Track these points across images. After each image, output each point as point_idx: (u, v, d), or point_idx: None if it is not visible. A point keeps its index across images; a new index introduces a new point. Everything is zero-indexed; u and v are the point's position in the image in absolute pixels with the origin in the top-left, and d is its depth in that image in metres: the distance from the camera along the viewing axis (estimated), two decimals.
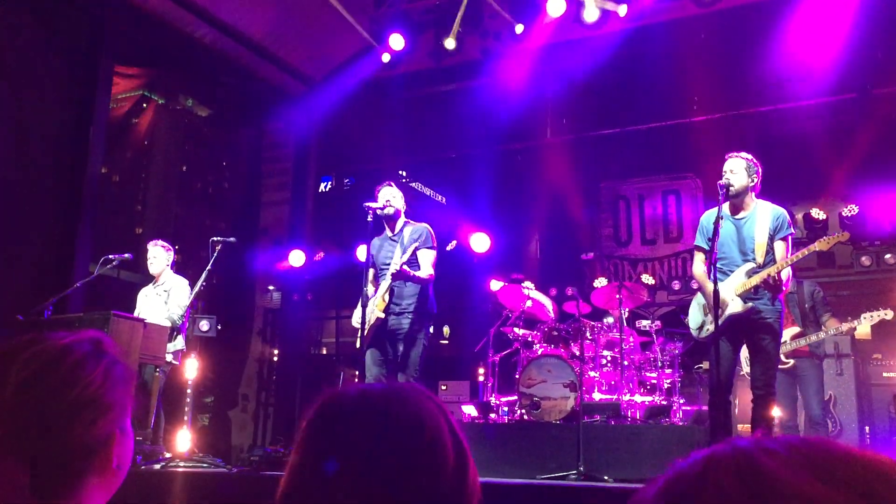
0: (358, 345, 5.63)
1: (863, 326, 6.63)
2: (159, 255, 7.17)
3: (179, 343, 6.94)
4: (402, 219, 5.96)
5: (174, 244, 7.49)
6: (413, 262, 5.67)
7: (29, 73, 7.88)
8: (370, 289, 5.75)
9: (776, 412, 5.38)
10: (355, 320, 5.74)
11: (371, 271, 5.86)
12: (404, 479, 0.91)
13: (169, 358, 6.86)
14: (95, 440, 1.21)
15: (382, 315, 5.62)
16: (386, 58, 9.51)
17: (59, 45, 8.20)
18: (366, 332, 5.56)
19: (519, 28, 8.84)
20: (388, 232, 5.97)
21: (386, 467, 0.92)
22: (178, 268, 7.48)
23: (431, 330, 5.86)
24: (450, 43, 9.09)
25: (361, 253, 8.26)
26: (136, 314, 6.95)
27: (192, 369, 7.31)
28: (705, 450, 0.66)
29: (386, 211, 5.79)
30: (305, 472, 0.95)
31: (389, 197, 5.87)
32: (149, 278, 7.44)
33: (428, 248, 5.72)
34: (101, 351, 1.26)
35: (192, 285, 6.97)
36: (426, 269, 5.66)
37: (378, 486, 0.90)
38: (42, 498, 1.15)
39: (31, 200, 7.85)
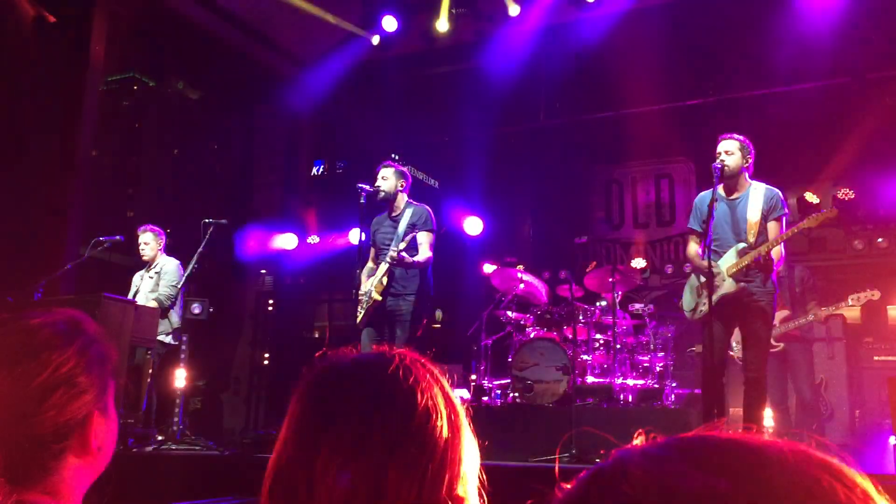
0: (358, 320, 5.68)
1: (852, 310, 6.64)
2: (150, 241, 7.17)
3: (175, 321, 6.92)
4: (404, 199, 5.90)
5: (165, 227, 7.45)
6: (413, 244, 5.68)
7: (19, 55, 7.79)
8: (370, 265, 5.83)
9: (767, 395, 5.40)
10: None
11: (373, 250, 5.92)
12: (397, 448, 0.89)
13: (168, 339, 6.85)
14: (71, 421, 1.18)
15: (380, 298, 5.61)
16: (375, 40, 9.44)
17: (51, 27, 8.12)
18: (362, 313, 5.58)
19: (514, 10, 8.78)
20: (388, 212, 5.94)
21: (379, 436, 0.89)
22: (169, 251, 7.45)
23: (437, 314, 5.91)
24: (442, 25, 9.02)
25: (354, 236, 8.23)
26: (131, 297, 6.92)
27: (183, 353, 7.30)
28: (590, 469, 0.64)
29: (380, 193, 5.76)
30: (298, 444, 0.93)
31: (380, 177, 5.84)
32: (142, 261, 7.40)
33: (427, 230, 5.71)
34: (76, 330, 1.23)
35: (184, 267, 6.95)
36: (424, 252, 5.65)
37: (371, 456, 0.88)
38: (15, 481, 1.13)
39: (22, 183, 7.79)
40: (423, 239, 5.68)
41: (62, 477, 1.17)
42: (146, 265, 7.27)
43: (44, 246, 7.79)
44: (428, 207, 5.89)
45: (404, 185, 5.89)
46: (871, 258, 8.56)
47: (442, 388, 0.97)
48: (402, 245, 5.52)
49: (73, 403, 1.18)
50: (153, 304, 6.71)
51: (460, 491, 0.94)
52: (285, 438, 0.95)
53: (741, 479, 0.56)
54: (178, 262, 7.06)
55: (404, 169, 5.98)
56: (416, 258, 5.60)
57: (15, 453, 1.13)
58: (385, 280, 5.62)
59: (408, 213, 5.81)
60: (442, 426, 0.93)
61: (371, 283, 5.68)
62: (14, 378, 1.14)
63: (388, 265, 5.62)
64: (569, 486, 0.64)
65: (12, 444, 1.13)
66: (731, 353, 5.94)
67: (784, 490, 0.55)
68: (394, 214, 5.88)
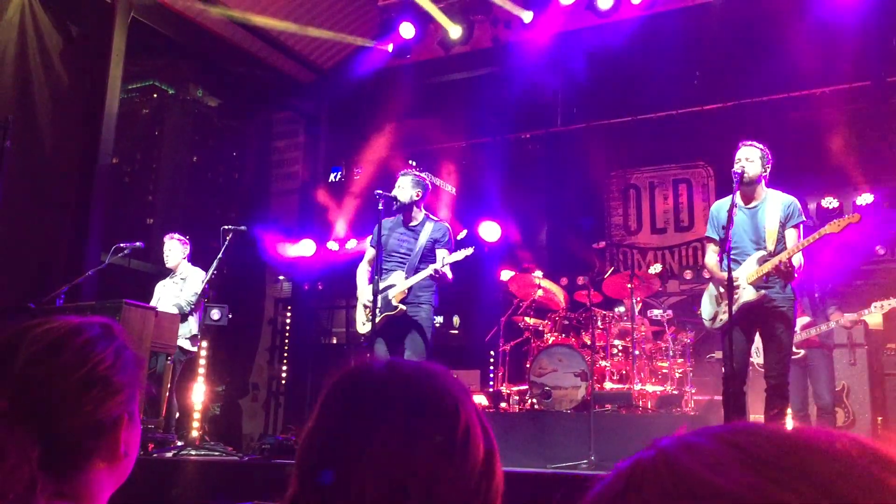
0: (365, 329, 5.61)
1: (873, 316, 6.56)
2: (175, 248, 7.26)
3: (194, 327, 6.97)
4: (421, 212, 5.82)
5: (184, 234, 7.52)
6: (430, 258, 5.65)
7: (40, 63, 7.89)
8: (365, 266, 5.76)
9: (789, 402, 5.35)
10: (366, 298, 5.66)
11: (372, 251, 5.81)
12: (435, 465, 0.87)
13: (186, 345, 6.90)
14: (104, 421, 1.20)
15: (404, 308, 5.56)
16: (389, 48, 9.49)
17: (71, 36, 8.21)
18: (377, 320, 5.52)
19: (527, 17, 8.79)
20: (402, 219, 5.83)
21: (417, 449, 0.87)
22: (189, 257, 7.51)
23: (434, 320, 5.83)
24: (454, 32, 9.05)
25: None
26: (153, 305, 6.97)
27: (203, 359, 7.36)
28: (629, 459, 0.58)
29: (396, 201, 5.71)
30: (334, 446, 0.91)
31: (398, 185, 5.81)
32: (161, 268, 7.46)
33: (448, 248, 5.67)
34: (111, 334, 1.26)
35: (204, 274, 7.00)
36: (448, 272, 5.57)
37: (406, 467, 0.86)
38: (50, 474, 1.14)
39: (43, 190, 7.88)
40: (444, 256, 5.62)
41: (88, 480, 1.19)
42: (169, 273, 7.33)
43: (65, 253, 7.87)
44: (448, 225, 5.82)
45: (421, 194, 5.77)
46: (894, 263, 8.47)
47: (472, 399, 0.97)
48: (449, 261, 5.47)
49: (108, 403, 1.20)
50: (174, 311, 6.76)
51: (496, 501, 0.93)
52: (317, 442, 0.93)
53: (795, 481, 0.51)
54: (202, 271, 7.11)
55: (423, 177, 5.87)
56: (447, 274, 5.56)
57: (51, 444, 1.15)
58: (406, 290, 5.59)
59: (428, 226, 5.74)
60: (480, 437, 0.93)
61: (390, 292, 5.62)
62: (55, 369, 1.16)
63: (410, 276, 5.58)
64: (605, 477, 0.59)
65: (50, 434, 1.15)
66: (752, 359, 5.89)
67: (842, 494, 0.50)
68: (411, 224, 5.80)
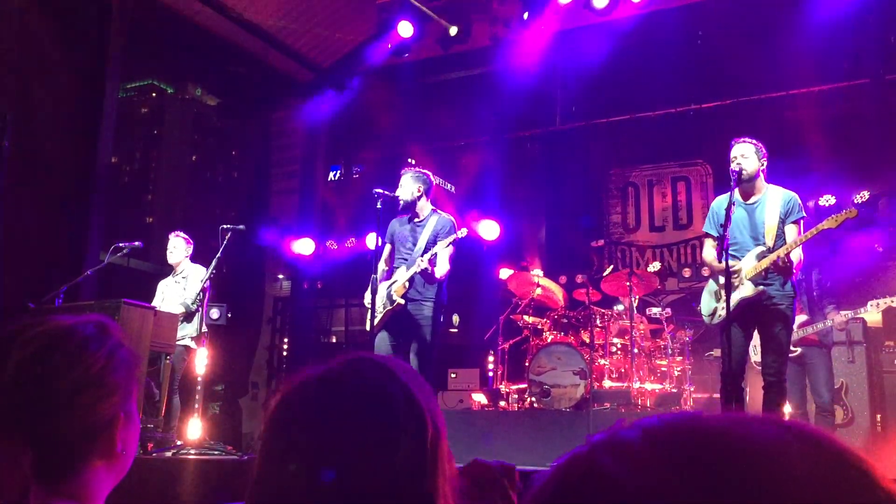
0: (368, 327, 5.59)
1: (871, 314, 6.56)
2: (178, 246, 7.29)
3: (199, 325, 6.98)
4: (427, 206, 5.81)
5: (184, 232, 7.53)
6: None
7: (39, 62, 7.89)
8: (382, 266, 5.75)
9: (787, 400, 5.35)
10: (368, 300, 5.62)
11: (388, 248, 5.86)
12: (362, 462, 0.89)
13: (192, 345, 6.91)
14: (98, 422, 1.19)
15: (402, 301, 5.55)
16: (389, 46, 9.50)
17: (70, 35, 8.21)
18: (379, 316, 5.53)
19: (525, 15, 8.79)
20: (409, 216, 5.83)
21: (342, 448, 0.90)
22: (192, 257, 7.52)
23: (442, 319, 5.80)
24: (452, 31, 9.05)
25: (371, 241, 8.25)
26: (156, 304, 6.98)
27: (202, 357, 7.35)
28: (565, 456, 0.56)
29: (400, 202, 5.71)
30: (270, 465, 0.95)
31: (399, 184, 5.81)
32: (160, 267, 7.46)
33: (450, 243, 5.60)
34: (105, 333, 1.25)
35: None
36: (443, 266, 5.55)
37: (340, 473, 0.88)
38: (44, 478, 1.14)
39: (42, 190, 7.88)
40: (444, 252, 5.54)
41: (86, 479, 1.18)
42: (170, 271, 7.35)
43: (64, 252, 7.87)
44: (453, 219, 5.78)
45: (422, 189, 5.76)
46: (893, 261, 8.47)
47: (415, 383, 0.97)
48: (428, 255, 5.44)
49: (102, 404, 1.20)
50: (181, 310, 6.77)
51: (445, 487, 0.94)
52: (264, 458, 0.96)
53: (712, 485, 0.47)
54: (203, 268, 7.13)
55: (425, 173, 5.84)
56: (436, 271, 5.52)
57: (43, 449, 1.14)
58: (407, 284, 5.59)
59: (432, 221, 5.72)
60: (425, 423, 0.94)
61: (392, 286, 5.62)
62: (46, 374, 1.16)
63: (408, 270, 5.57)
64: (541, 480, 0.56)
65: (41, 439, 1.14)
66: (750, 357, 5.89)
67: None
68: (417, 220, 5.79)
